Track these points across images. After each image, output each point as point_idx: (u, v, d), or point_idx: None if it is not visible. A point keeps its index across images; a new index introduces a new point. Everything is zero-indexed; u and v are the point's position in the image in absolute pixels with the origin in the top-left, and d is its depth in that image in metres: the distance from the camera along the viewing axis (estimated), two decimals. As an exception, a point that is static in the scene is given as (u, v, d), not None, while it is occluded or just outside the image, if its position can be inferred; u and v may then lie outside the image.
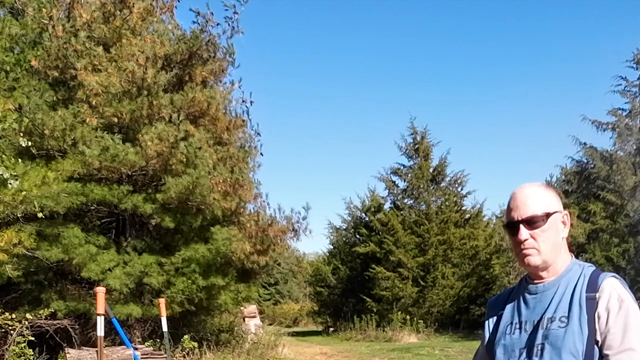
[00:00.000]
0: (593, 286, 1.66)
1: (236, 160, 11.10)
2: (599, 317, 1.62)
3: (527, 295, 1.76)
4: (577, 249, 17.24)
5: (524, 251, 1.71)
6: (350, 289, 23.62)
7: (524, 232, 1.71)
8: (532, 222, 1.71)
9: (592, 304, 1.64)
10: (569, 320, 1.63)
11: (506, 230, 1.79)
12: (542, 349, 1.64)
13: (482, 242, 21.73)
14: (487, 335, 1.85)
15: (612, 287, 1.66)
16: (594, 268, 1.74)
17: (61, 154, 9.47)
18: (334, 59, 58.18)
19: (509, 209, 1.76)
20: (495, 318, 1.84)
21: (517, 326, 1.74)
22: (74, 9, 10.25)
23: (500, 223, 26.36)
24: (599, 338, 1.62)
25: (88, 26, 10.13)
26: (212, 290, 10.86)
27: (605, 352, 1.60)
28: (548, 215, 1.73)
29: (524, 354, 1.68)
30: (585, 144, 18.60)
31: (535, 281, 1.76)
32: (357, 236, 24.47)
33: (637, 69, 18.38)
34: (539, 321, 1.68)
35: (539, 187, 1.80)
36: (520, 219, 1.71)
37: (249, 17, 36.65)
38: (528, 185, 1.79)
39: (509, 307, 1.80)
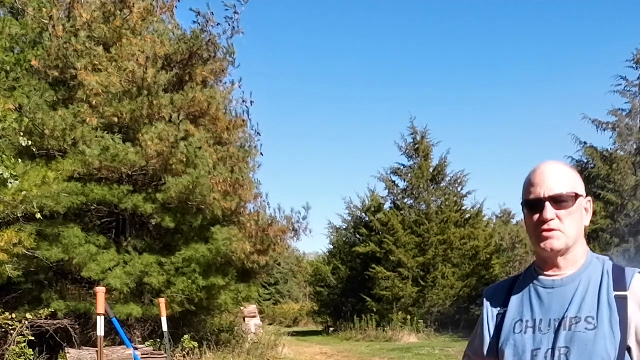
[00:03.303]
0: (621, 284, 1.49)
1: (236, 160, 11.10)
2: (632, 321, 1.45)
3: (540, 289, 1.55)
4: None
5: (547, 233, 1.51)
6: (350, 289, 23.61)
7: (550, 211, 1.50)
8: (559, 201, 1.51)
9: (622, 304, 1.46)
10: (599, 322, 1.45)
11: (525, 209, 1.56)
12: (568, 354, 1.45)
13: (482, 242, 21.73)
14: (487, 336, 1.62)
15: None
16: (612, 262, 1.57)
17: (61, 154, 9.47)
18: (334, 59, 58.30)
19: (532, 185, 1.55)
20: (496, 312, 1.61)
21: (530, 325, 1.52)
22: (74, 9, 10.25)
23: (500, 223, 26.41)
24: (630, 344, 1.46)
25: (88, 26, 10.12)
26: (212, 290, 10.86)
27: None
28: (577, 196, 1.54)
29: (541, 357, 1.48)
30: (585, 143, 18.59)
31: (549, 273, 1.55)
32: (357, 236, 24.47)
33: (637, 69, 18.37)
34: (560, 321, 1.48)
35: (566, 165, 1.60)
36: (547, 195, 1.51)
37: (249, 17, 36.64)
38: (553, 161, 1.59)
39: (514, 302, 1.58)
